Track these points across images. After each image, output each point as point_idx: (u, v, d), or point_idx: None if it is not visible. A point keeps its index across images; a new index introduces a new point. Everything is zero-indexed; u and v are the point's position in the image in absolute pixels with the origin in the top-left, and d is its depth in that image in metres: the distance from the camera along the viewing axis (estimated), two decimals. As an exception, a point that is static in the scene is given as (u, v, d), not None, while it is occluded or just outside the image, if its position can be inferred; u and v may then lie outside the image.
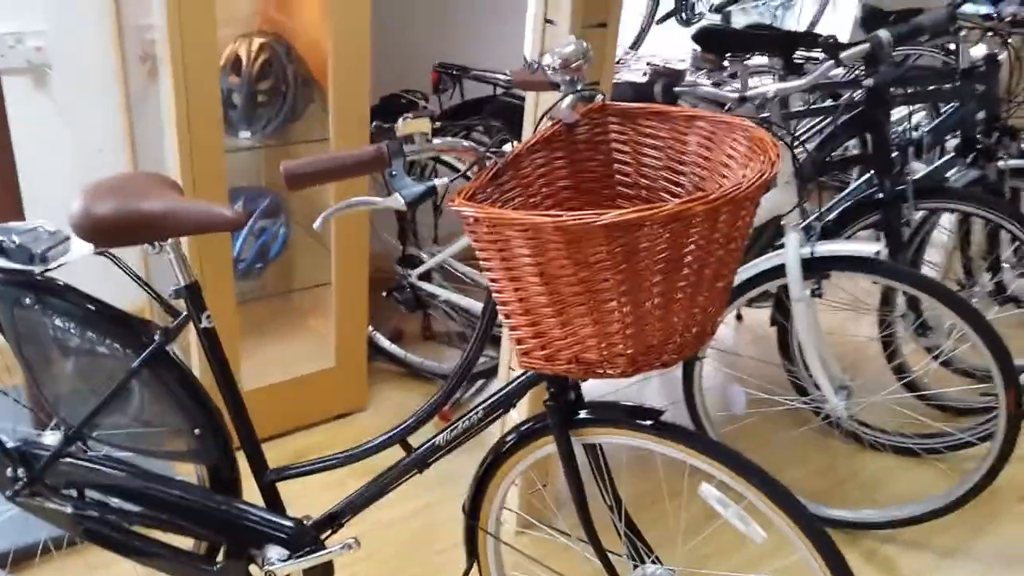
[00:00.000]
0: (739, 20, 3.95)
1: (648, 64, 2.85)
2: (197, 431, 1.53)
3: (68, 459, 1.58)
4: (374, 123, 2.45)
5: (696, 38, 2.71)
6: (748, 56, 2.59)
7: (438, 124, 2.50)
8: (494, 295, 1.14)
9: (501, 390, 1.38)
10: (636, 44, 3.65)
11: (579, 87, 1.39)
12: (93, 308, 1.50)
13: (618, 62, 3.16)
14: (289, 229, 2.36)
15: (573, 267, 1.04)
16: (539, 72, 1.41)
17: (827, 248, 1.87)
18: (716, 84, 3.04)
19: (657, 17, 3.74)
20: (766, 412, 2.25)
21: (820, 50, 1.79)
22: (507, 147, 1.26)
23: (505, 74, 2.49)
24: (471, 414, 1.43)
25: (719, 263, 1.12)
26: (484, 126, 2.23)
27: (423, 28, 2.88)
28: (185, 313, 1.47)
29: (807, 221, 1.94)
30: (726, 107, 1.96)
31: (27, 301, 1.49)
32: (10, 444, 1.58)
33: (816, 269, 1.90)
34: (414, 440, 1.46)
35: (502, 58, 3.04)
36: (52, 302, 1.49)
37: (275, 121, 2.11)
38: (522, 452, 1.46)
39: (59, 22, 2.25)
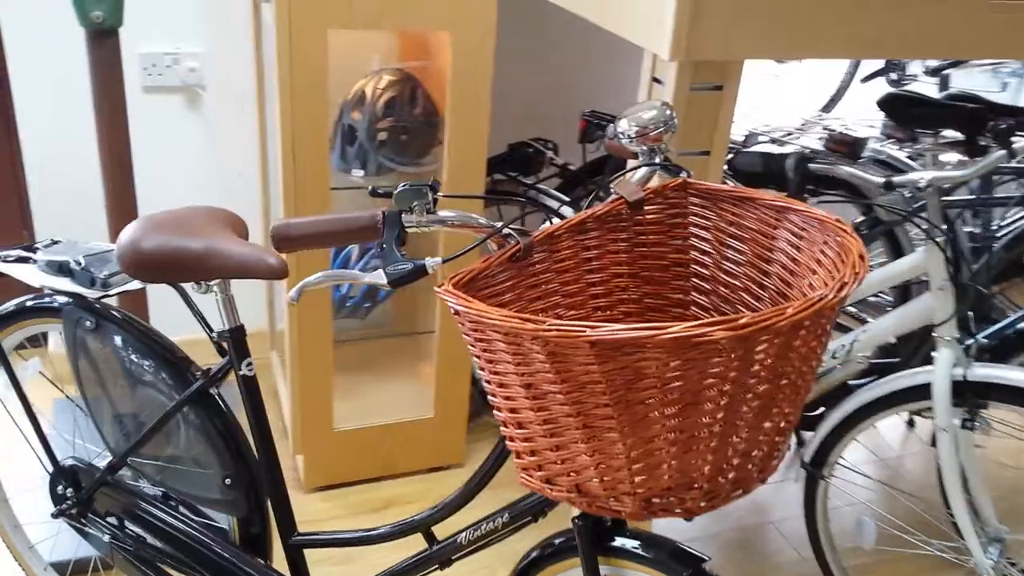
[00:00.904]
0: (960, 84, 3.51)
1: (825, 129, 2.55)
2: (228, 481, 1.45)
3: (112, 487, 1.55)
4: (493, 176, 2.34)
5: (881, 104, 2.39)
6: (939, 130, 2.25)
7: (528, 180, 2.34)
8: (489, 397, 0.97)
9: (522, 500, 1.21)
10: (829, 106, 3.30)
11: (657, 159, 1.19)
12: (145, 340, 1.47)
13: (800, 127, 2.86)
14: (405, 271, 2.29)
15: (561, 385, 0.86)
16: (616, 139, 1.22)
17: (985, 372, 1.54)
18: (911, 158, 2.68)
19: (861, 76, 3.38)
20: (905, 551, 1.90)
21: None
22: (546, 224, 1.08)
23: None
24: (496, 516, 1.26)
25: (766, 400, 0.90)
26: (603, 187, 2.04)
27: (574, 73, 2.73)
28: (227, 358, 1.41)
29: (976, 338, 1.60)
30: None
31: (87, 324, 1.48)
32: (64, 460, 1.59)
33: (970, 396, 1.56)
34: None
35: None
36: (108, 328, 1.47)
37: (393, 161, 2.03)
38: (553, 568, 1.27)
39: (214, 46, 2.31)
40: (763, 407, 0.90)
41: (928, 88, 3.42)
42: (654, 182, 1.25)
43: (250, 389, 1.40)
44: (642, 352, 0.81)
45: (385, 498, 2.24)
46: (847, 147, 2.47)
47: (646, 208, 1.18)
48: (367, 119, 1.99)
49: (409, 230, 0.97)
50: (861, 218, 2.44)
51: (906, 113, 2.31)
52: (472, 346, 0.93)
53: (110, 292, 1.47)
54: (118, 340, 1.46)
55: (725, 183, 2.35)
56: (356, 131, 2.01)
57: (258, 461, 1.46)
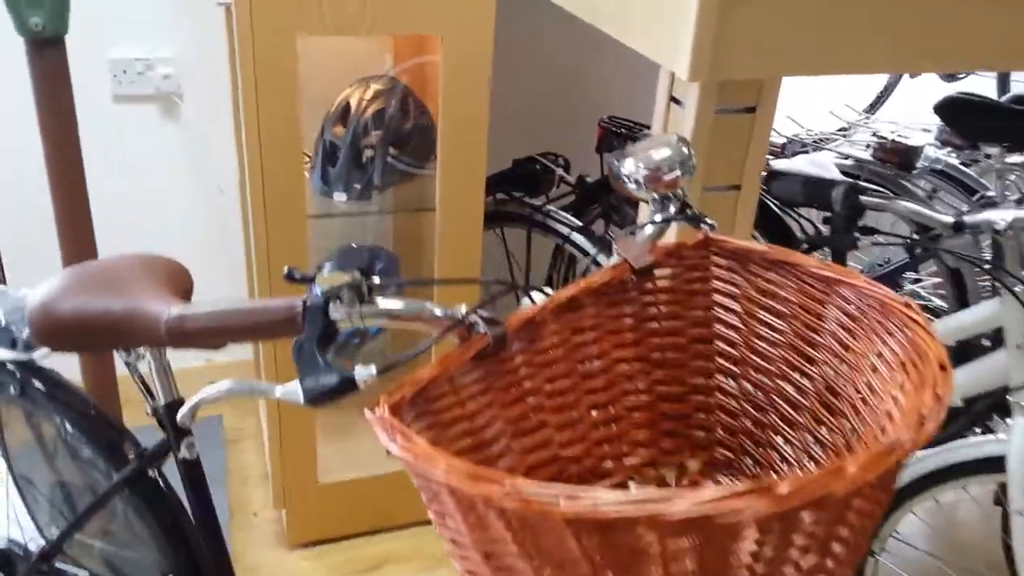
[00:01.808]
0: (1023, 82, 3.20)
1: (874, 136, 2.27)
2: (169, 577, 1.24)
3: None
4: (495, 195, 2.10)
5: (939, 110, 2.11)
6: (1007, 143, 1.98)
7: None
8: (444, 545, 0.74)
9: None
10: (874, 107, 3.01)
11: (672, 209, 0.95)
12: (75, 411, 1.25)
13: (842, 130, 2.59)
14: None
15: (529, 561, 0.62)
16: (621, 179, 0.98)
17: (1073, 449, 1.28)
18: (965, 164, 2.40)
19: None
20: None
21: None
22: (529, 300, 0.85)
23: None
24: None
25: (813, 574, 0.65)
26: (618, 211, 1.79)
27: (588, 81, 2.46)
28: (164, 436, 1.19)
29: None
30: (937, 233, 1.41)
31: (11, 390, 1.27)
32: (-5, 542, 1.39)
33: (1053, 474, 1.31)
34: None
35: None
36: (34, 396, 1.26)
37: (381, 181, 1.80)
38: None
39: (191, 50, 2.09)
40: (810, 579, 0.66)
41: (986, 84, 3.11)
42: (670, 235, 1.01)
43: (192, 475, 1.18)
44: (635, 530, 0.57)
45: (377, 555, 2.02)
46: (899, 157, 2.20)
47: (658, 273, 0.94)
48: (351, 134, 1.76)
49: (340, 326, 0.74)
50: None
51: (968, 123, 2.04)
52: (419, 488, 0.70)
53: (34, 355, 1.25)
54: (46, 411, 1.25)
55: (765, 203, 2.09)
56: (338, 148, 1.78)
57: (206, 557, 1.24)
